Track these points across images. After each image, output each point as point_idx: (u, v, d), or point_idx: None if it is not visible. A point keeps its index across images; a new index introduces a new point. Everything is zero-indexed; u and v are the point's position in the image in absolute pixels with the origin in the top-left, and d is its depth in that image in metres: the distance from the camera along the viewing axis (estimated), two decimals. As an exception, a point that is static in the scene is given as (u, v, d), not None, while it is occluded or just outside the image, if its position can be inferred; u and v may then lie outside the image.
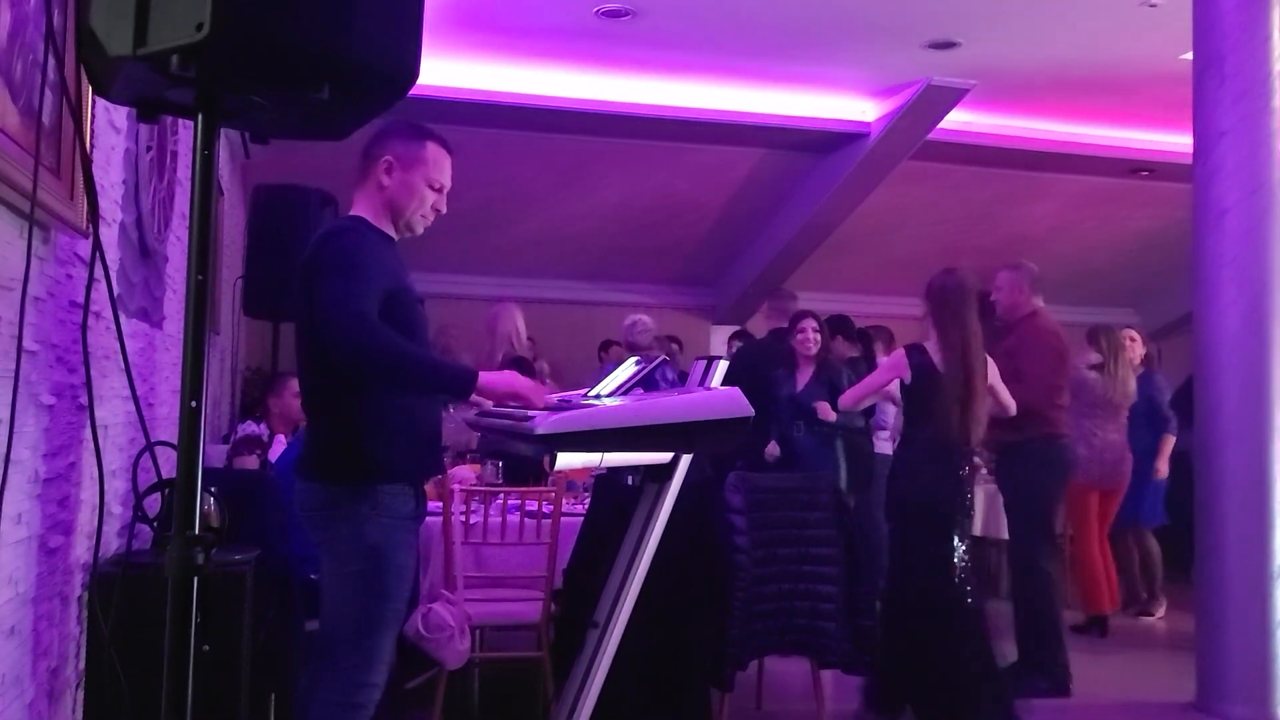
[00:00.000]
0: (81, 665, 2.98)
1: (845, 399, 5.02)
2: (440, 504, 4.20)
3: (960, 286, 4.55)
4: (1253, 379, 4.76)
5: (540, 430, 2.87)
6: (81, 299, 2.35)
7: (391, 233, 2.90)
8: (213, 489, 3.11)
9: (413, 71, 1.88)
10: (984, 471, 7.52)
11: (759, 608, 4.15)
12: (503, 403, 2.91)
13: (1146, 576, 6.94)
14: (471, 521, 4.20)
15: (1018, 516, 5.26)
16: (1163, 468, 6.94)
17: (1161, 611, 6.93)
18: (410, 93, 1.93)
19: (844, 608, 4.24)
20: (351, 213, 2.90)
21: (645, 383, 3.40)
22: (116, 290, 2.51)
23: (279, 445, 5.00)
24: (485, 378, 2.77)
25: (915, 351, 4.59)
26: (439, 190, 2.93)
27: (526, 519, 4.28)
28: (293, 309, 2.92)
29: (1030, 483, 5.19)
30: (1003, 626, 5.16)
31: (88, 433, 2.44)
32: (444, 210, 2.97)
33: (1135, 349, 6.84)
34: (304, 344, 2.84)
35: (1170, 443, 7.00)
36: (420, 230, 2.94)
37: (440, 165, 2.92)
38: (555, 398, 3.36)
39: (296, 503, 2.82)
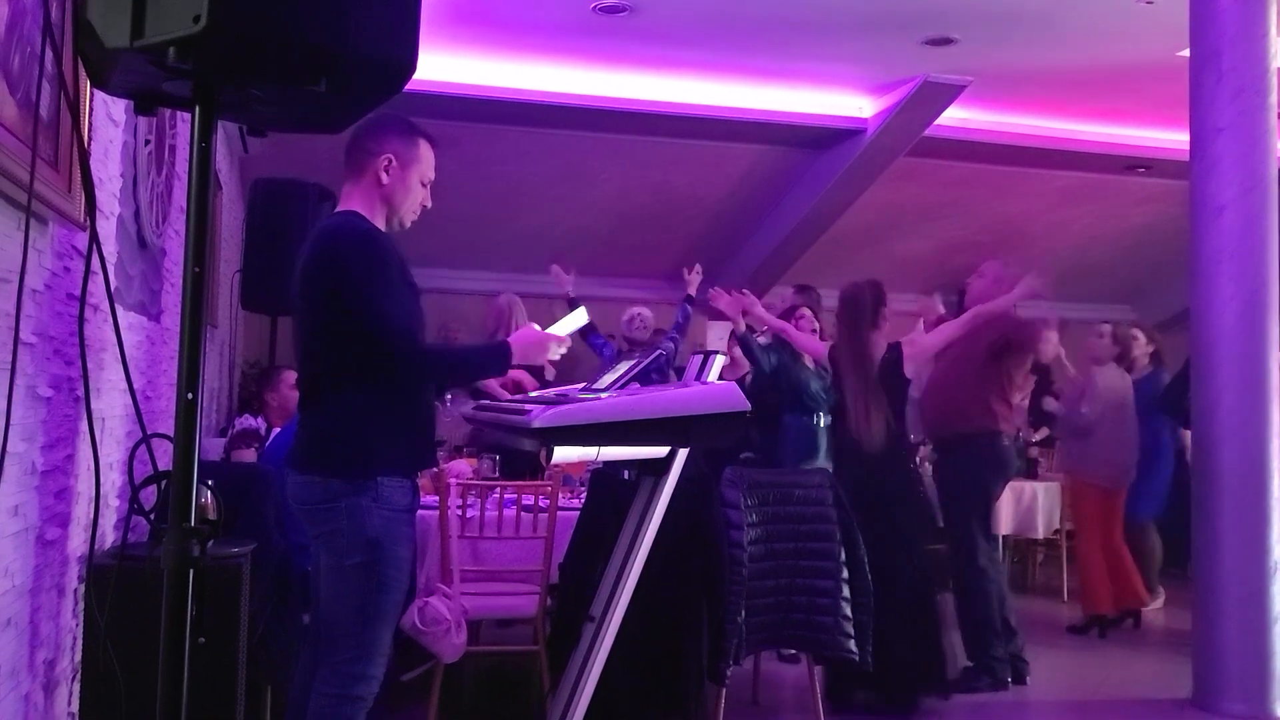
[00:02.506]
0: (78, 657, 2.98)
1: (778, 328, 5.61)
2: (437, 498, 4.21)
3: (855, 299, 4.92)
4: (1250, 374, 4.77)
5: (537, 424, 2.89)
6: (79, 292, 2.35)
7: (383, 227, 2.91)
8: (209, 482, 3.12)
9: (410, 65, 1.88)
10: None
11: (755, 602, 4.15)
12: (531, 358, 3.01)
13: (1145, 570, 6.92)
14: (468, 515, 4.21)
15: (958, 514, 5.18)
16: None
17: (1159, 603, 6.95)
18: (407, 87, 1.93)
19: (842, 602, 4.25)
20: (346, 207, 2.90)
21: (641, 377, 3.41)
22: (114, 283, 2.51)
23: (277, 439, 5.01)
24: (514, 341, 2.98)
25: (834, 350, 5.11)
26: (426, 186, 2.98)
27: (523, 513, 4.28)
28: (291, 303, 2.92)
29: (972, 479, 5.16)
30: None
31: (85, 425, 2.44)
32: (429, 205, 3.01)
33: (1140, 346, 6.86)
34: (303, 337, 2.85)
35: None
36: (409, 225, 2.98)
37: (430, 162, 2.98)
38: (553, 392, 3.38)
39: (291, 495, 2.83)
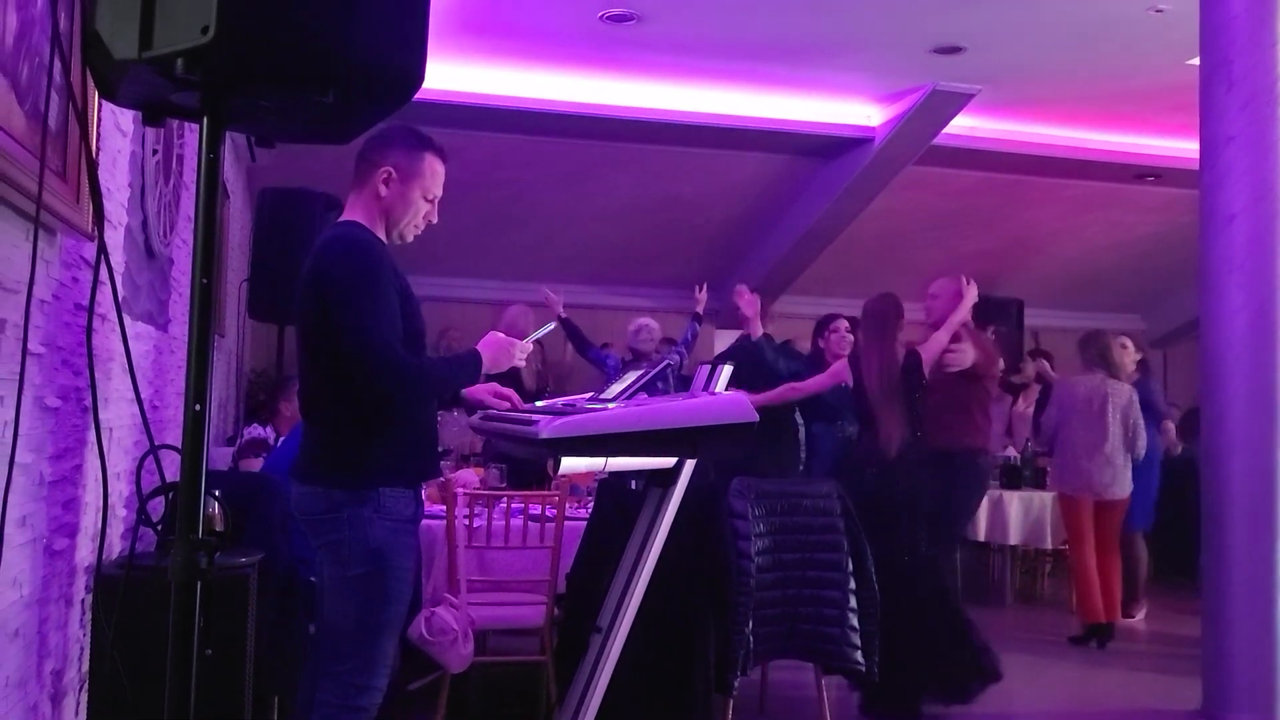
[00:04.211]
0: (85, 668, 2.98)
1: (781, 393, 5.45)
2: (443, 508, 4.21)
3: (883, 312, 4.97)
4: (1259, 384, 4.75)
5: (544, 435, 2.88)
6: (87, 302, 2.35)
7: (384, 238, 2.90)
8: (216, 492, 3.12)
9: (418, 75, 1.87)
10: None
11: (763, 613, 4.14)
12: (499, 363, 3.00)
13: (1130, 580, 6.87)
14: (475, 525, 4.21)
15: (931, 529, 4.92)
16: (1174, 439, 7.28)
17: (1141, 614, 6.93)
18: (415, 97, 1.93)
19: (849, 613, 4.23)
20: (347, 217, 2.90)
21: (648, 387, 3.41)
22: (122, 293, 2.51)
23: (286, 448, 5.01)
24: (482, 348, 2.96)
25: (854, 360, 5.12)
26: (432, 202, 2.95)
27: (530, 523, 4.28)
28: (294, 313, 2.92)
29: (951, 497, 5.05)
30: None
31: (92, 435, 2.43)
32: (435, 221, 2.98)
33: (1127, 356, 6.78)
34: (305, 348, 2.85)
35: (1170, 428, 7.18)
36: (411, 238, 2.96)
37: (437, 177, 2.94)
38: (560, 402, 3.38)
39: (295, 506, 2.82)
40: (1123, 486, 6.34)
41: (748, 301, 5.83)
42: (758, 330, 5.90)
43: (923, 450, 4.82)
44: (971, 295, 5.10)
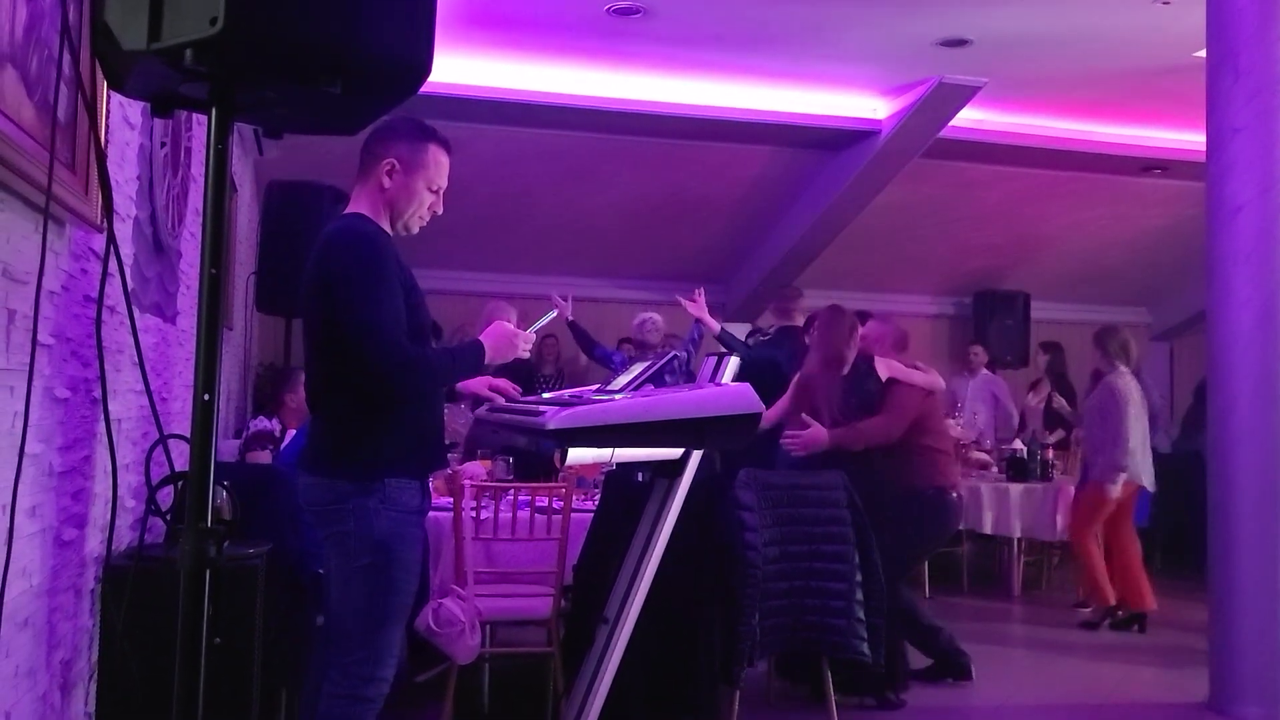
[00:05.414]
0: (94, 657, 3.00)
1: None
2: (450, 499, 4.22)
3: (820, 323, 5.08)
4: (1267, 377, 4.74)
5: (551, 426, 2.89)
6: (96, 293, 2.36)
7: (389, 230, 2.91)
8: (225, 482, 3.13)
9: (425, 67, 1.88)
10: (994, 470, 7.55)
11: (769, 604, 4.15)
12: (503, 354, 3.02)
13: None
14: (482, 517, 4.22)
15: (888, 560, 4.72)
16: None
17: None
18: (422, 90, 1.94)
19: (855, 604, 4.24)
20: (352, 210, 2.90)
21: (655, 379, 3.42)
22: (130, 285, 2.52)
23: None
24: (485, 339, 2.99)
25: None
26: (436, 193, 2.95)
27: (537, 515, 4.29)
28: (302, 305, 2.93)
29: (917, 535, 4.98)
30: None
31: (101, 426, 2.45)
32: (440, 212, 2.99)
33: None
34: (311, 340, 2.86)
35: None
36: (416, 230, 2.96)
37: (441, 168, 2.94)
38: (567, 393, 3.39)
39: (301, 497, 2.83)
40: None
41: (695, 307, 6.02)
42: (713, 325, 5.95)
43: (900, 490, 4.82)
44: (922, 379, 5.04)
